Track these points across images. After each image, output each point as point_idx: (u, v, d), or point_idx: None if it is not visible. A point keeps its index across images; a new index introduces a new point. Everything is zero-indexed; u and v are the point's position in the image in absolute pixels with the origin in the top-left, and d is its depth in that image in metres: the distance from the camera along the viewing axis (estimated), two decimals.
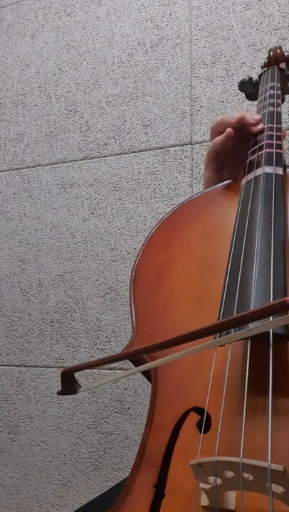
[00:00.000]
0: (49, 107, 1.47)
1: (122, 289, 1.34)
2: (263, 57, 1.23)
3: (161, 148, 1.32)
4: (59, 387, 0.45)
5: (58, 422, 1.39)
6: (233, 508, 0.34)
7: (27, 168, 1.48)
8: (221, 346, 0.41)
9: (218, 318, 0.43)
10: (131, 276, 0.57)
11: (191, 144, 1.29)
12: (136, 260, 0.59)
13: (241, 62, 1.26)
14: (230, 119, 0.67)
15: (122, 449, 1.32)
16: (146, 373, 0.50)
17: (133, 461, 0.42)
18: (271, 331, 0.38)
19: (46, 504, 1.40)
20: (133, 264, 0.58)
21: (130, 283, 0.56)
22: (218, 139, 0.67)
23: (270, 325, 0.32)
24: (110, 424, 1.33)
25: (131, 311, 0.54)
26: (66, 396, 1.38)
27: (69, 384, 0.45)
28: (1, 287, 1.48)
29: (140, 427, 1.30)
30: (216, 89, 1.28)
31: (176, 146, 1.31)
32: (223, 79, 1.27)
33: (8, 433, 1.45)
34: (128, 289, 1.33)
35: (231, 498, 0.35)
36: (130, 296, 0.55)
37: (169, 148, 1.32)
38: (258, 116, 0.67)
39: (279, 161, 0.59)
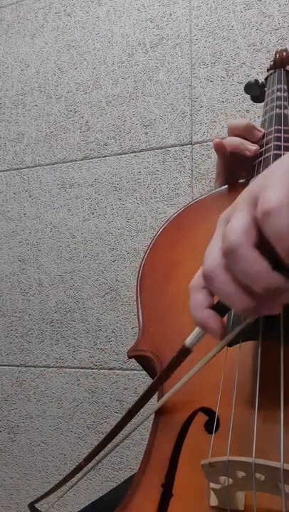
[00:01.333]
0: (49, 107, 1.47)
1: (122, 289, 1.34)
2: (263, 57, 1.23)
3: (161, 148, 1.32)
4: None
5: (58, 422, 1.39)
6: (242, 508, 0.35)
7: (27, 168, 1.48)
8: (230, 346, 0.41)
9: (228, 326, 0.43)
10: (137, 276, 0.57)
11: (191, 144, 1.29)
12: (142, 260, 0.59)
13: (241, 62, 1.26)
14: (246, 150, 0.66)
15: (122, 449, 1.32)
16: (153, 372, 0.50)
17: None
18: (282, 332, 0.38)
19: (46, 504, 1.40)
20: (139, 264, 0.58)
21: (136, 283, 0.56)
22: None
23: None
24: (110, 424, 1.33)
25: (138, 311, 0.54)
26: (66, 396, 1.38)
27: None
28: (1, 287, 1.48)
29: (140, 427, 1.30)
30: (216, 89, 1.28)
31: (176, 146, 1.31)
32: (223, 79, 1.27)
33: (8, 433, 1.45)
34: (128, 289, 1.33)
35: (240, 498, 0.35)
36: (136, 296, 0.55)
37: (169, 148, 1.32)
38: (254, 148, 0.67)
39: None
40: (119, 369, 1.33)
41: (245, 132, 0.68)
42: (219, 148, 0.67)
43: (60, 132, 1.45)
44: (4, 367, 1.46)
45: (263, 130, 0.68)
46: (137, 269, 0.58)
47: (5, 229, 1.49)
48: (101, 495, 0.82)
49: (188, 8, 1.33)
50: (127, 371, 1.32)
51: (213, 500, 0.35)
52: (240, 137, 0.68)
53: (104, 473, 1.34)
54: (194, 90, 1.30)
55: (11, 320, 1.46)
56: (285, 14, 1.23)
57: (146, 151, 1.34)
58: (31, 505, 0.54)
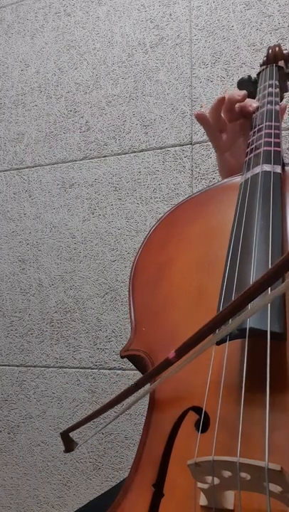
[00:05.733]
0: (49, 107, 1.47)
1: (122, 289, 1.34)
2: (263, 57, 1.23)
3: (161, 148, 1.32)
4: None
5: (58, 422, 1.39)
6: (231, 507, 0.34)
7: (27, 168, 1.48)
8: (218, 345, 0.41)
9: None
10: (130, 275, 0.57)
11: (191, 144, 1.29)
12: (135, 259, 0.59)
13: (241, 62, 1.26)
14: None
15: (122, 449, 1.32)
16: (145, 372, 0.50)
17: (133, 461, 0.42)
18: (269, 329, 0.37)
19: (46, 504, 1.40)
20: (132, 263, 0.58)
21: (129, 282, 0.56)
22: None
23: (268, 298, 0.31)
24: (110, 424, 1.33)
25: (130, 311, 0.53)
26: (66, 396, 1.38)
27: (67, 442, 0.52)
28: (1, 287, 1.48)
29: (140, 427, 1.30)
30: (216, 89, 1.28)
31: (176, 146, 1.31)
32: (223, 79, 1.27)
33: (8, 433, 1.45)
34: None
35: (229, 497, 0.35)
36: (129, 295, 0.55)
37: (169, 148, 1.32)
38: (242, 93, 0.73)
39: (277, 159, 0.59)
40: (119, 369, 1.33)
41: (230, 108, 0.74)
42: (200, 118, 0.74)
43: (60, 132, 1.45)
44: (4, 367, 1.46)
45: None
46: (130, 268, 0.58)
47: (5, 229, 1.49)
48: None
49: (188, 8, 1.33)
50: (127, 371, 1.32)
51: (203, 500, 0.35)
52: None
53: (104, 473, 1.34)
54: (194, 90, 1.30)
55: (11, 320, 1.46)
56: (285, 14, 1.23)
57: (146, 151, 1.34)
58: (65, 434, 0.51)
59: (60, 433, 0.51)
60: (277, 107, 0.70)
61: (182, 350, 0.38)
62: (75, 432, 0.50)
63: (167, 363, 0.39)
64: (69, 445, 0.52)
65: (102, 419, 1.31)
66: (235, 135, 0.75)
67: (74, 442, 0.52)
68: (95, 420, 0.48)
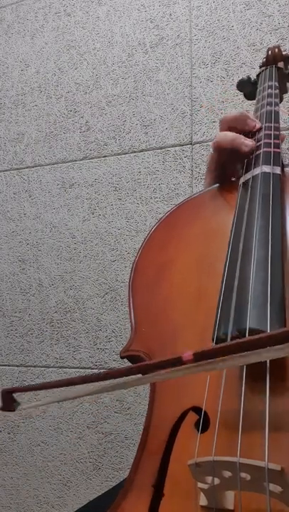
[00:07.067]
0: (49, 107, 1.47)
1: (122, 289, 1.34)
2: (263, 57, 1.23)
3: (161, 148, 1.32)
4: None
5: (58, 422, 1.39)
6: (231, 507, 0.34)
7: (27, 168, 1.48)
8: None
9: (215, 323, 0.43)
10: (130, 276, 0.57)
11: (191, 144, 1.29)
12: (135, 259, 0.59)
13: (241, 62, 1.26)
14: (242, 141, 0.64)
15: (122, 449, 1.32)
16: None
17: (133, 461, 0.42)
18: (268, 330, 0.38)
19: (46, 504, 1.40)
20: (132, 264, 0.58)
21: (129, 282, 0.56)
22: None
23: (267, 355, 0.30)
24: (110, 424, 1.33)
25: (129, 311, 0.53)
26: None
27: (7, 402, 0.44)
28: (1, 287, 1.48)
29: (140, 427, 1.30)
30: (216, 89, 1.28)
31: (176, 146, 1.31)
32: (223, 79, 1.27)
33: (8, 433, 1.45)
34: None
35: (230, 497, 0.35)
36: (128, 296, 0.55)
37: (169, 148, 1.31)
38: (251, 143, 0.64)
39: (277, 160, 0.59)
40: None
41: (239, 123, 0.65)
42: (218, 147, 0.64)
43: (60, 132, 1.45)
44: (4, 367, 1.46)
45: (258, 121, 0.67)
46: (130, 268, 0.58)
47: (5, 229, 1.49)
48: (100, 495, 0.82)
49: (188, 8, 1.33)
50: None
51: (203, 500, 0.35)
52: (234, 129, 0.65)
53: (104, 473, 1.34)
54: (194, 90, 1.30)
55: (11, 320, 1.46)
56: (285, 14, 1.23)
57: (146, 151, 1.34)
58: (7, 392, 0.42)
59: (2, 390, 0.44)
60: (277, 108, 0.70)
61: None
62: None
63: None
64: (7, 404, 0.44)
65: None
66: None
67: (16, 402, 0.45)
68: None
